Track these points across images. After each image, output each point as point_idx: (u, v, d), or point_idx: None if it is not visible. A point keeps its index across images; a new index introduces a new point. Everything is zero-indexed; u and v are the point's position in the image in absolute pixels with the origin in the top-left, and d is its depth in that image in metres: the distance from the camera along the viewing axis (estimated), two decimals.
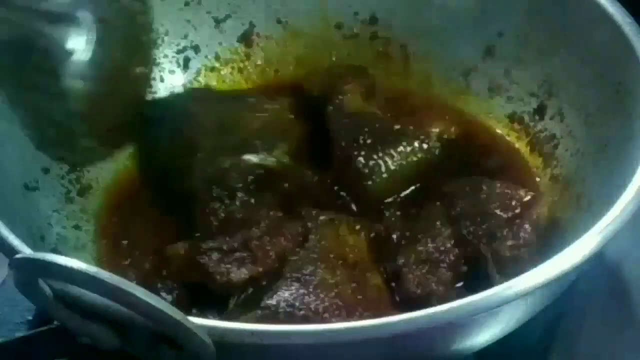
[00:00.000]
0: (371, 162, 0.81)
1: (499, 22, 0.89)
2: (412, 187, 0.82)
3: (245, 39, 0.94)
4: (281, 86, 0.92)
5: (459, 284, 0.74)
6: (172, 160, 0.82)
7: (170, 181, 0.82)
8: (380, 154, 0.81)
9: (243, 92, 0.90)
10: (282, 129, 0.84)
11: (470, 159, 0.85)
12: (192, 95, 0.89)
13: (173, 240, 0.77)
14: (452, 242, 0.75)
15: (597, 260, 0.71)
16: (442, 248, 0.75)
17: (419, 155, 0.82)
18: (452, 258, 0.75)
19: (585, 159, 0.81)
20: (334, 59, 0.94)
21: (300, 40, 0.95)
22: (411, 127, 0.83)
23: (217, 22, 0.93)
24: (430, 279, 0.73)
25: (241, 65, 0.95)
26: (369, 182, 0.81)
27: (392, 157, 0.81)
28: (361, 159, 0.81)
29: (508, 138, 0.88)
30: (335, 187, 0.82)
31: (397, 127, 0.83)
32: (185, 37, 0.93)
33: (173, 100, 0.89)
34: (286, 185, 0.81)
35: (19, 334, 0.71)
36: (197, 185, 0.80)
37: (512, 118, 0.89)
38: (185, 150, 0.82)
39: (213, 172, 0.80)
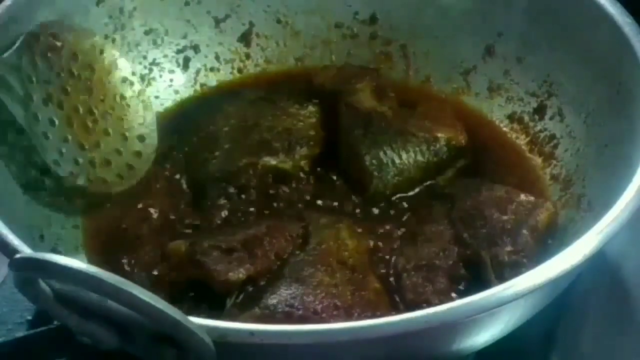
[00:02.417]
0: (379, 161, 0.81)
1: (499, 22, 0.89)
2: (417, 189, 0.82)
3: (245, 38, 0.94)
4: (281, 86, 0.92)
5: (458, 289, 0.74)
6: (194, 154, 0.84)
7: (188, 173, 0.83)
8: (389, 154, 0.81)
9: (276, 93, 0.90)
10: (305, 134, 0.85)
11: (470, 159, 0.85)
12: (223, 94, 0.90)
13: (173, 238, 0.78)
14: (452, 245, 0.75)
15: (597, 260, 0.71)
16: (441, 254, 0.75)
17: (427, 157, 0.82)
18: (450, 262, 0.74)
19: (585, 159, 0.81)
20: (333, 58, 0.95)
21: (300, 40, 0.95)
22: (421, 130, 0.83)
23: (217, 22, 0.93)
24: (427, 287, 0.73)
25: (241, 65, 0.95)
26: (376, 181, 0.81)
27: (400, 157, 0.82)
28: (369, 157, 0.81)
29: (508, 138, 0.88)
30: (340, 184, 0.82)
31: (406, 128, 0.83)
32: (185, 37, 0.93)
33: (203, 97, 0.91)
34: (298, 190, 0.82)
35: (19, 334, 0.71)
36: (209, 180, 0.81)
37: (512, 118, 0.89)
38: (207, 146, 0.84)
39: (227, 169, 0.82)
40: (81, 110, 0.81)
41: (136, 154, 0.83)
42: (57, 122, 0.79)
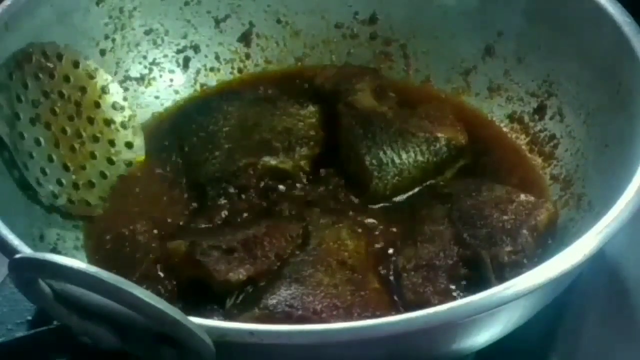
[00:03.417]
0: (379, 162, 0.81)
1: (499, 22, 0.89)
2: (417, 189, 0.82)
3: (245, 38, 0.94)
4: (281, 86, 0.92)
5: (458, 289, 0.73)
6: (194, 154, 0.84)
7: (188, 173, 0.84)
8: (389, 154, 0.81)
9: (276, 93, 0.90)
10: (305, 134, 0.85)
11: (470, 159, 0.85)
12: (223, 94, 0.90)
13: (173, 238, 0.78)
14: (452, 245, 0.75)
15: (597, 260, 0.71)
16: (441, 254, 0.75)
17: (427, 157, 0.82)
18: (450, 262, 0.74)
19: (585, 159, 0.81)
20: (333, 58, 0.95)
21: (300, 40, 0.95)
22: (421, 130, 0.83)
23: (217, 22, 0.93)
24: (427, 287, 0.73)
25: (241, 65, 0.95)
26: (376, 182, 0.81)
27: (400, 157, 0.82)
28: (369, 157, 0.81)
29: (508, 138, 0.88)
30: (340, 184, 0.82)
31: (406, 128, 0.83)
32: (185, 37, 0.93)
33: (203, 97, 0.91)
34: (298, 190, 0.82)
35: (19, 334, 0.71)
36: (209, 180, 0.82)
37: (512, 118, 0.89)
38: (207, 146, 0.84)
39: (227, 169, 0.82)
40: (69, 132, 0.81)
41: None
42: (43, 142, 0.79)
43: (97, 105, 0.84)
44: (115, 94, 0.86)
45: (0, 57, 0.79)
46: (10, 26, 0.80)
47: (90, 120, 0.83)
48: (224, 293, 0.72)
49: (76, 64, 0.83)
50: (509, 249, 0.74)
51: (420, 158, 0.82)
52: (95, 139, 0.83)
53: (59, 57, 0.82)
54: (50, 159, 0.80)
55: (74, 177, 0.81)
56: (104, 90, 0.85)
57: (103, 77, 0.85)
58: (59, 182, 0.79)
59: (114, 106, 0.85)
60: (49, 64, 0.81)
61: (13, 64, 0.79)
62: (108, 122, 0.84)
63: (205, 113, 0.87)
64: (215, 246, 0.74)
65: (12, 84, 0.79)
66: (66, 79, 0.82)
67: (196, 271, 0.73)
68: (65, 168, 0.80)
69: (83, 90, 0.83)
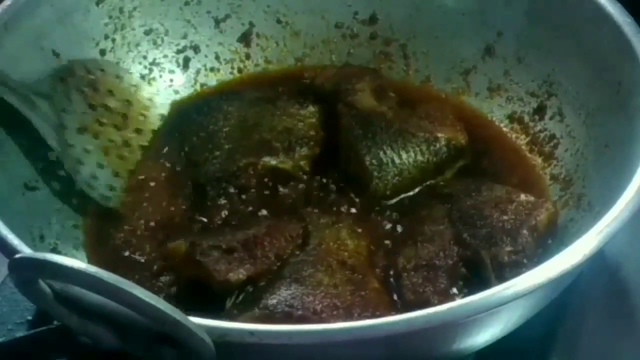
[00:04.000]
0: (379, 162, 0.81)
1: (499, 22, 0.89)
2: (417, 189, 0.82)
3: (245, 38, 0.94)
4: (281, 86, 0.92)
5: (458, 289, 0.73)
6: (194, 154, 0.84)
7: (188, 173, 0.84)
8: (389, 154, 0.81)
9: (276, 93, 0.90)
10: (305, 134, 0.85)
11: (470, 159, 0.85)
12: (223, 94, 0.90)
13: (173, 238, 0.78)
14: (452, 245, 0.75)
15: (597, 260, 0.71)
16: (441, 254, 0.75)
17: (427, 157, 0.82)
18: (450, 262, 0.74)
19: (585, 159, 0.81)
20: (333, 58, 0.95)
21: (300, 40, 0.95)
22: (421, 130, 0.83)
23: (217, 22, 0.94)
24: (427, 287, 0.73)
25: (241, 65, 0.95)
26: (376, 182, 0.81)
27: (400, 157, 0.82)
28: (369, 157, 0.81)
29: (508, 138, 0.88)
30: (340, 184, 0.82)
31: (406, 128, 0.83)
32: (185, 37, 0.93)
33: (203, 97, 0.91)
34: (298, 190, 0.82)
35: (19, 334, 0.71)
36: (209, 180, 0.82)
37: (512, 118, 0.89)
38: (207, 146, 0.84)
39: (227, 169, 0.82)
40: (118, 141, 0.83)
41: None
42: (91, 150, 0.81)
43: (144, 116, 0.86)
44: (160, 105, 0.87)
45: (1, 56, 0.79)
46: (10, 26, 0.80)
47: (138, 131, 0.85)
48: (224, 293, 0.72)
49: (120, 78, 0.85)
50: (509, 249, 0.74)
51: (420, 158, 0.82)
52: (144, 148, 0.85)
53: (102, 71, 0.84)
54: (100, 166, 0.81)
55: (124, 183, 0.82)
56: (151, 101, 0.87)
57: (148, 91, 0.87)
58: (110, 187, 0.81)
59: (160, 118, 0.87)
60: (91, 77, 0.83)
61: (56, 79, 0.81)
62: (156, 133, 0.86)
63: (205, 113, 0.87)
64: (215, 246, 0.74)
65: (57, 96, 0.80)
66: (110, 92, 0.84)
67: (196, 271, 0.73)
68: (116, 174, 0.82)
69: (128, 103, 0.85)
